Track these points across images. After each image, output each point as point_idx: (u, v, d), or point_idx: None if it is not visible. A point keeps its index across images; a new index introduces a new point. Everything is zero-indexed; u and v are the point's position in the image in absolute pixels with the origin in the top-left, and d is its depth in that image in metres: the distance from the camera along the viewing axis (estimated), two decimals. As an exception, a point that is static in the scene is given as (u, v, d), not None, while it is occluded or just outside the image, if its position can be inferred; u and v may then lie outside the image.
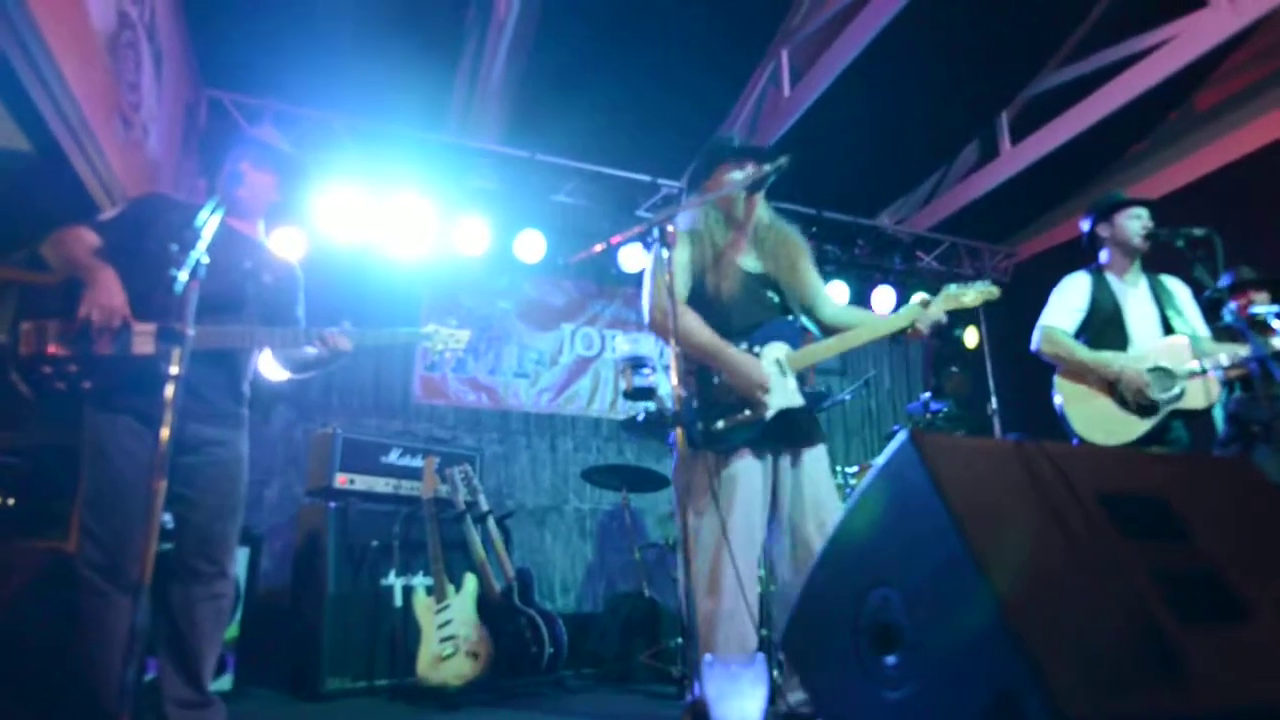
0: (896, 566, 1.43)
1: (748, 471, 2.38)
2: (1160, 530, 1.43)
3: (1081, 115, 5.04)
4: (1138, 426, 2.95)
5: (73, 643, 2.09)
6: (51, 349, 2.09)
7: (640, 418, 4.22)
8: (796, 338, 2.55)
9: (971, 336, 6.54)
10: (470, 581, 3.51)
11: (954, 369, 6.21)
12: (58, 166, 2.85)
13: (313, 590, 3.62)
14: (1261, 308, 3.24)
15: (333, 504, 3.70)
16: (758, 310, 2.53)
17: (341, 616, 3.54)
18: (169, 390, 1.74)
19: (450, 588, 3.47)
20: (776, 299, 2.60)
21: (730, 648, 2.25)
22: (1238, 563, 1.40)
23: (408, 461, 4.04)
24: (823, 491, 2.45)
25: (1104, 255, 3.26)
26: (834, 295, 2.95)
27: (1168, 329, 3.10)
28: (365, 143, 4.89)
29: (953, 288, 2.63)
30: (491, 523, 3.79)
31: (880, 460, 1.50)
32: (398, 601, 3.67)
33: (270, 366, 2.53)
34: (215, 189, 2.38)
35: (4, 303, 2.93)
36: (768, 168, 2.44)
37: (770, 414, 2.38)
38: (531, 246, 5.31)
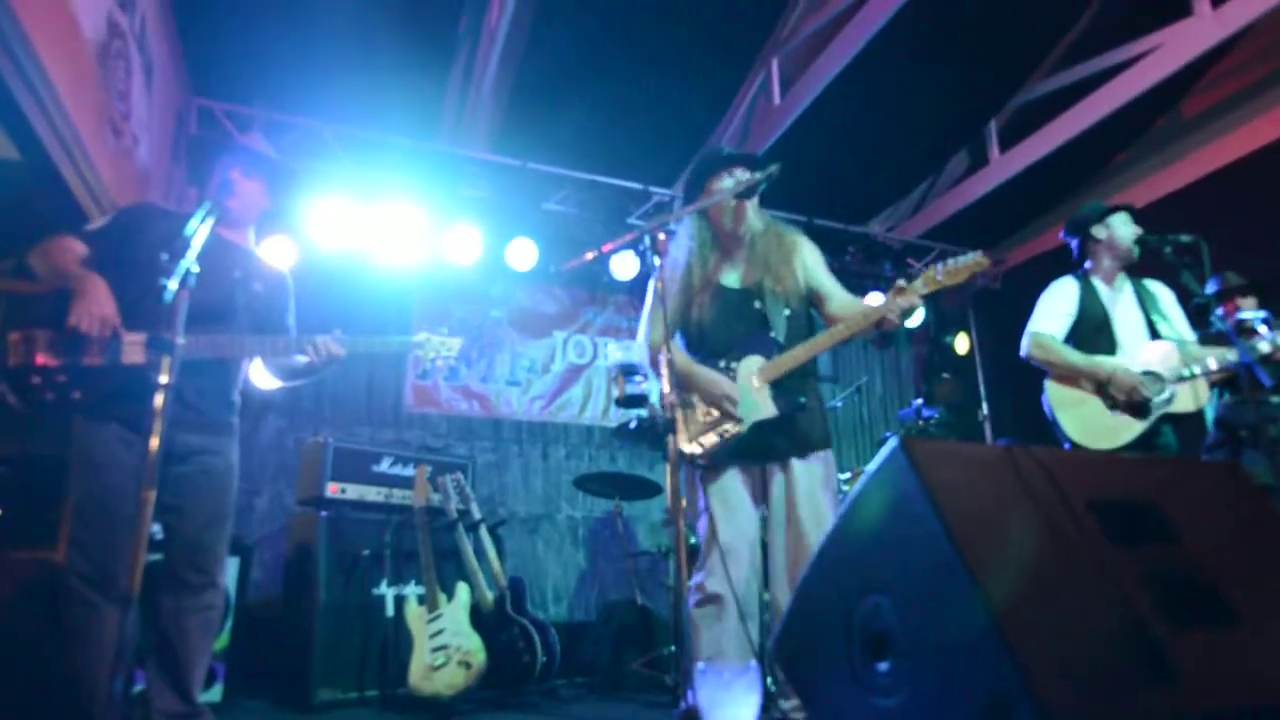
0: (888, 573, 1.43)
1: (734, 483, 2.41)
2: (1150, 535, 1.44)
3: (1069, 123, 5.08)
4: (1129, 430, 2.96)
5: (61, 653, 2.07)
6: (40, 359, 2.08)
7: (632, 425, 4.22)
8: (771, 349, 2.50)
9: (962, 343, 6.58)
10: (462, 591, 3.50)
11: (945, 375, 6.24)
12: (47, 176, 2.83)
13: (304, 600, 3.59)
14: (1249, 313, 3.27)
15: (324, 513, 3.68)
16: (736, 327, 2.54)
17: (333, 626, 3.52)
18: (159, 399, 1.73)
19: (442, 597, 3.46)
20: (760, 309, 2.56)
21: (722, 655, 2.24)
22: (1227, 567, 1.41)
23: (399, 470, 4.03)
24: (804, 505, 2.39)
25: (1091, 262, 3.28)
26: (846, 295, 2.81)
27: (1154, 333, 3.12)
28: (356, 151, 4.89)
29: (934, 269, 2.38)
30: (484, 531, 3.78)
31: (872, 467, 1.50)
32: (389, 611, 3.65)
33: (261, 376, 2.52)
34: (205, 198, 2.37)
35: (-8, 312, 2.92)
36: (758, 175, 2.44)
37: (744, 428, 2.39)
38: (523, 254, 5.30)
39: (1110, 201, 3.33)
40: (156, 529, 2.29)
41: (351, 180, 4.85)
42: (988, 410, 5.95)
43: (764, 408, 2.42)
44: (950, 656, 1.28)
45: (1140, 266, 3.24)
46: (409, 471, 3.97)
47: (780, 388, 2.44)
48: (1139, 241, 3.15)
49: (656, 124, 5.13)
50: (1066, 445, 3.04)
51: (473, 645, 3.35)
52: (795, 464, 2.44)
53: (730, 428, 2.40)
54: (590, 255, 2.32)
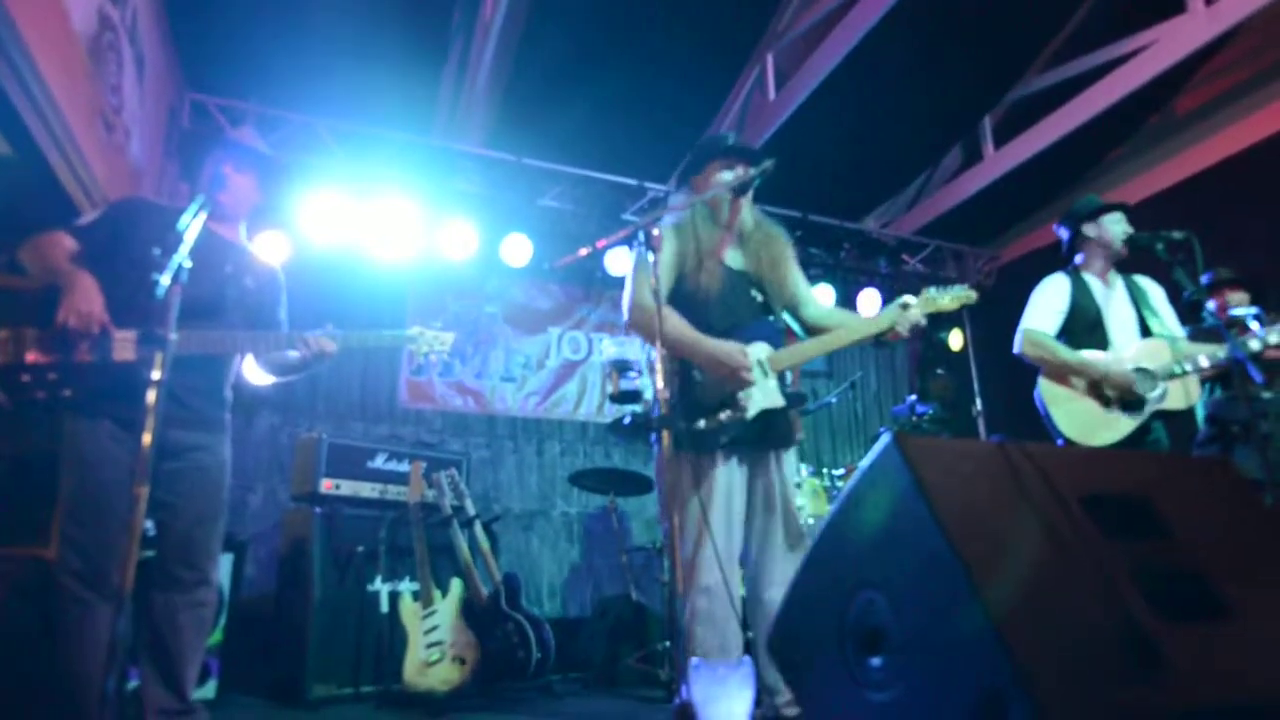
0: (882, 569, 1.43)
1: (727, 474, 2.39)
2: (1142, 530, 1.45)
3: (1063, 120, 5.09)
4: (1122, 427, 2.97)
5: (54, 651, 2.06)
6: (30, 357, 2.06)
7: (627, 421, 4.22)
8: (778, 338, 2.54)
9: (956, 339, 6.59)
10: (457, 587, 3.50)
11: (939, 371, 6.26)
12: (38, 170, 2.82)
13: (298, 596, 3.59)
14: (1240, 309, 3.29)
15: (318, 509, 3.67)
16: (740, 309, 2.53)
17: (327, 623, 3.52)
18: (151, 396, 1.72)
19: (437, 593, 3.46)
20: (760, 298, 2.59)
21: (716, 650, 2.25)
22: (1219, 562, 1.42)
23: (394, 466, 4.02)
24: (790, 495, 2.47)
25: (1081, 257, 3.28)
26: (820, 298, 2.96)
27: (1145, 330, 3.13)
28: (350, 146, 4.87)
29: (931, 291, 2.64)
30: (478, 527, 3.78)
31: (865, 463, 1.50)
32: (384, 607, 3.65)
33: (253, 371, 2.51)
34: (197, 192, 2.36)
35: (-18, 308, 2.89)
36: (753, 171, 2.45)
37: (751, 414, 2.38)
38: (518, 250, 5.30)
39: (1104, 198, 3.33)
40: (149, 526, 2.28)
41: (345, 175, 4.83)
42: (981, 406, 5.96)
43: (773, 396, 2.43)
44: (944, 652, 1.28)
45: (1132, 263, 3.25)
46: (404, 467, 3.96)
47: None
48: (1130, 239, 3.16)
49: (651, 119, 5.12)
50: (1060, 441, 3.05)
51: (467, 641, 3.35)
52: (785, 455, 2.49)
53: (732, 412, 2.38)
54: (585, 251, 2.32)
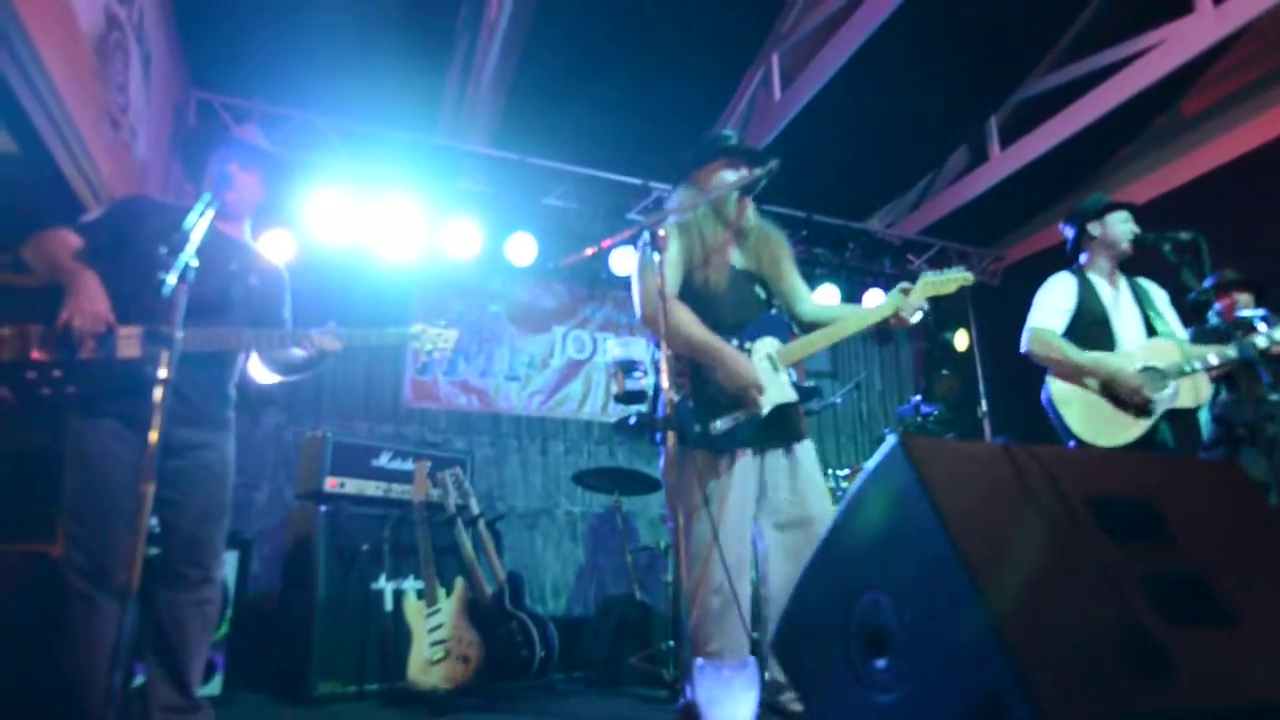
0: (886, 570, 1.43)
1: (742, 473, 2.38)
2: (1147, 533, 1.44)
3: (1069, 120, 5.07)
4: (1135, 428, 2.94)
5: (59, 648, 2.07)
6: (35, 354, 2.07)
7: (632, 421, 4.22)
8: (785, 331, 2.56)
9: (962, 340, 6.58)
10: (461, 585, 3.50)
11: (944, 372, 6.24)
12: (45, 169, 2.83)
13: (303, 594, 3.60)
14: (1247, 310, 3.28)
15: (323, 507, 3.68)
16: (747, 305, 2.54)
17: (332, 620, 3.53)
18: (157, 394, 1.72)
19: (441, 591, 3.46)
20: (764, 295, 2.62)
21: (722, 651, 2.24)
22: (1223, 565, 1.41)
23: (398, 465, 4.03)
24: (818, 481, 2.48)
25: (1086, 257, 3.27)
26: (826, 298, 2.96)
27: (1150, 331, 3.12)
28: (355, 145, 4.88)
29: (930, 275, 2.64)
30: (482, 526, 3.78)
31: (870, 464, 1.50)
32: (388, 605, 3.66)
33: (258, 370, 2.52)
34: (203, 191, 2.36)
35: (-10, 305, 2.91)
36: (759, 171, 2.45)
37: (765, 410, 2.38)
38: (522, 249, 5.30)
39: (1111, 199, 3.32)
40: (153, 523, 2.29)
41: (350, 174, 4.84)
42: (986, 407, 5.96)
43: (785, 390, 2.43)
44: (948, 653, 1.28)
45: (1139, 264, 3.24)
46: (408, 466, 3.96)
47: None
48: (1137, 240, 3.14)
49: (656, 119, 5.11)
50: (1071, 443, 3.01)
51: (471, 640, 3.36)
52: (798, 446, 2.49)
53: (746, 410, 2.38)
54: (590, 250, 2.32)
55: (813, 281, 5.75)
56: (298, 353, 2.41)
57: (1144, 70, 4.66)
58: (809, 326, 2.65)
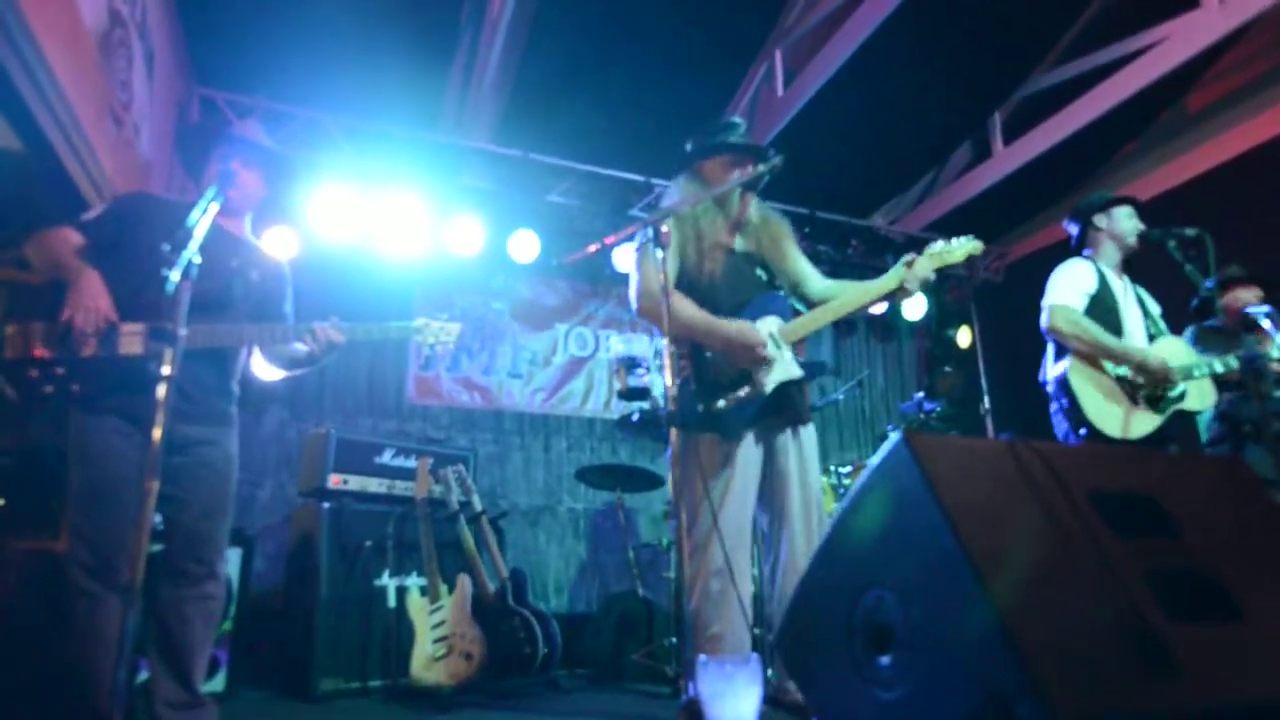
0: (891, 567, 1.43)
1: (745, 461, 2.37)
2: (1152, 529, 1.44)
3: (1074, 116, 5.05)
4: (1148, 422, 2.92)
5: (64, 643, 2.08)
6: (37, 352, 2.07)
7: (634, 417, 4.22)
8: (787, 310, 2.55)
9: (964, 336, 6.57)
10: (464, 582, 3.51)
11: (947, 369, 6.23)
12: (49, 165, 2.83)
13: (306, 591, 3.60)
14: (1253, 308, 3.26)
15: (326, 504, 3.68)
16: (746, 287, 2.53)
17: (335, 617, 3.53)
18: (160, 390, 1.72)
19: (444, 588, 3.47)
20: (765, 276, 2.61)
21: (723, 636, 2.24)
22: (1228, 561, 1.41)
23: (401, 462, 4.03)
24: (813, 475, 2.47)
25: (1089, 252, 3.25)
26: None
27: (1148, 334, 3.11)
28: (358, 141, 4.88)
29: (937, 245, 2.61)
30: (485, 523, 3.78)
31: (874, 461, 1.50)
32: (391, 602, 3.66)
33: (261, 366, 2.52)
34: (205, 187, 2.36)
35: (-4, 303, 2.91)
36: (762, 168, 2.45)
37: (770, 388, 2.37)
38: (525, 246, 5.30)
39: (1115, 195, 3.31)
40: (157, 519, 2.29)
41: (353, 170, 4.84)
42: (989, 404, 5.93)
43: (790, 367, 2.41)
44: (953, 650, 1.28)
45: (1144, 261, 3.23)
46: (411, 463, 3.97)
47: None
48: (1142, 236, 3.13)
49: (659, 115, 5.10)
50: (1082, 430, 2.94)
51: (474, 636, 3.36)
52: (803, 431, 2.48)
53: (750, 388, 2.36)
54: (593, 247, 2.31)
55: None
56: (300, 347, 2.41)
57: (1149, 65, 4.64)
58: (816, 305, 2.63)
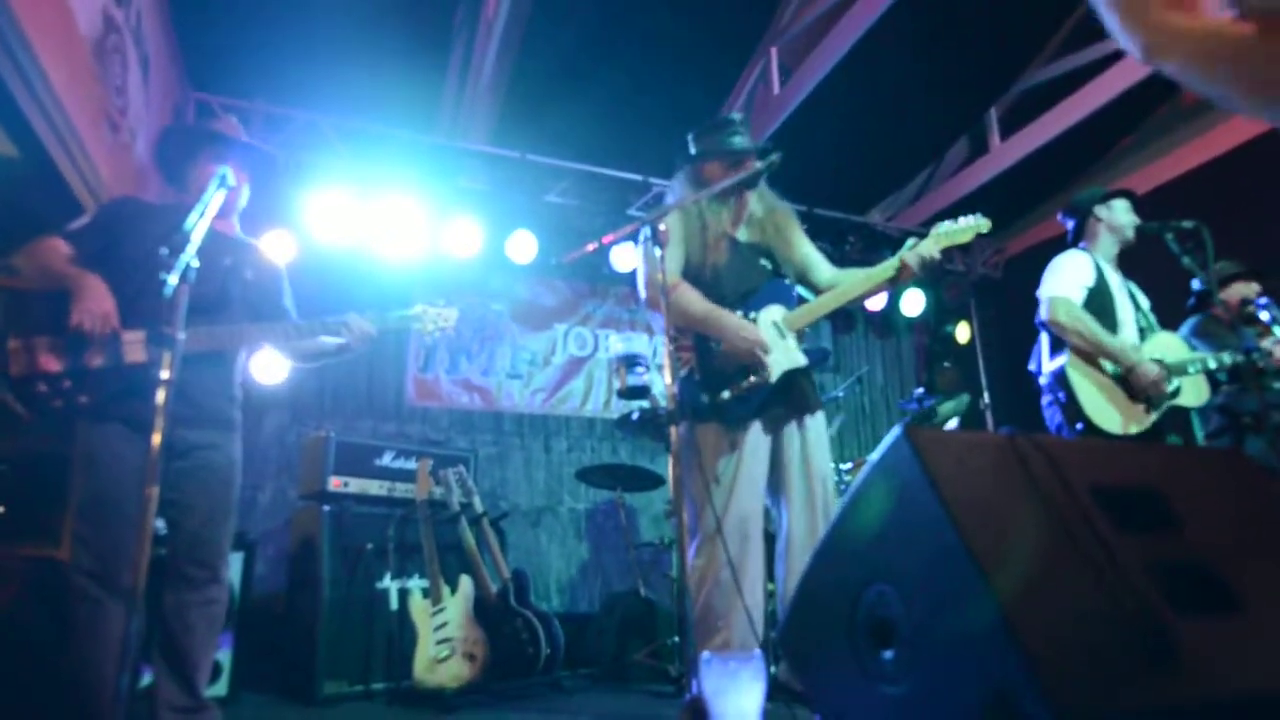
0: (892, 562, 1.43)
1: (753, 449, 2.36)
2: (1154, 521, 1.44)
3: (1070, 110, 5.06)
4: (1145, 420, 2.92)
5: (67, 649, 2.07)
6: (43, 366, 2.07)
7: (634, 417, 4.22)
8: (791, 299, 2.56)
9: (963, 332, 6.57)
10: (466, 583, 3.51)
11: (946, 364, 6.24)
12: (45, 172, 2.82)
13: (308, 594, 3.60)
14: (1254, 301, 3.27)
15: (327, 507, 3.68)
16: (750, 276, 2.54)
17: (337, 620, 3.53)
18: (160, 395, 1.72)
19: (446, 590, 3.47)
20: (769, 265, 2.62)
21: (729, 635, 2.24)
22: (1231, 553, 1.41)
23: (402, 464, 4.03)
24: (819, 464, 2.44)
25: (1086, 242, 3.24)
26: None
27: (1139, 330, 3.11)
28: (355, 144, 4.88)
29: (944, 225, 2.58)
30: (486, 524, 3.78)
31: (875, 456, 1.50)
32: (393, 604, 3.66)
33: (264, 365, 2.53)
34: (196, 189, 2.34)
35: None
36: (759, 165, 2.46)
37: (774, 377, 2.37)
38: (523, 247, 5.30)
39: (1111, 188, 3.31)
40: (159, 524, 2.29)
41: (351, 173, 4.83)
42: (989, 399, 5.95)
43: (794, 355, 2.41)
44: (955, 644, 1.28)
45: (1141, 254, 3.23)
46: (411, 465, 3.97)
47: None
48: (1139, 228, 3.13)
49: (656, 114, 5.10)
50: (1079, 425, 2.93)
51: (477, 638, 3.36)
52: (809, 420, 2.46)
53: (755, 378, 2.35)
54: (591, 247, 2.31)
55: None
56: (332, 340, 2.43)
57: (1144, 59, 4.64)
58: (821, 292, 2.63)
